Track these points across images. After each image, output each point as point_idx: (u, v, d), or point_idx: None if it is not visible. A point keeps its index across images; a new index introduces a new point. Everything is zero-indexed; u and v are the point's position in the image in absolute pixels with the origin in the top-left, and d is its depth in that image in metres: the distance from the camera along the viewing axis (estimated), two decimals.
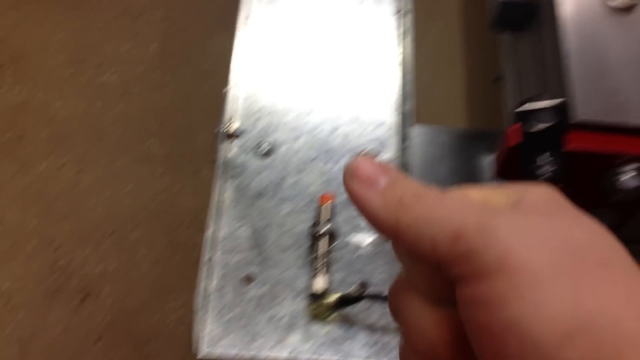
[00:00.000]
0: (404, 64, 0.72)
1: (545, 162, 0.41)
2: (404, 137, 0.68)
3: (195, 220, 1.60)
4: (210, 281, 0.60)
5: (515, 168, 0.43)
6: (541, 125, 0.39)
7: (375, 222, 0.34)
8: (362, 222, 0.64)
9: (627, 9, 0.47)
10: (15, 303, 1.49)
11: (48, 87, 1.73)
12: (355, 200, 0.34)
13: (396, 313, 0.36)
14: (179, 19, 1.85)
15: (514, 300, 0.28)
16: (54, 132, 1.68)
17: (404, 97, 0.70)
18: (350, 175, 0.35)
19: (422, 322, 0.33)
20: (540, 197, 0.32)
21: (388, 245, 0.63)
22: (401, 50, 0.73)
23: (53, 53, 1.78)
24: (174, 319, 1.52)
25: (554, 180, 0.42)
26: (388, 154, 0.68)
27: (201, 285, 0.57)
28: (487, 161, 0.67)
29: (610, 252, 0.29)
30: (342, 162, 0.67)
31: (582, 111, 0.43)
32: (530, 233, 0.29)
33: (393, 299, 0.36)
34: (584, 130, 0.43)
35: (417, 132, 0.69)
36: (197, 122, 1.72)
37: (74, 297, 1.52)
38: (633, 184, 0.42)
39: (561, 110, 0.43)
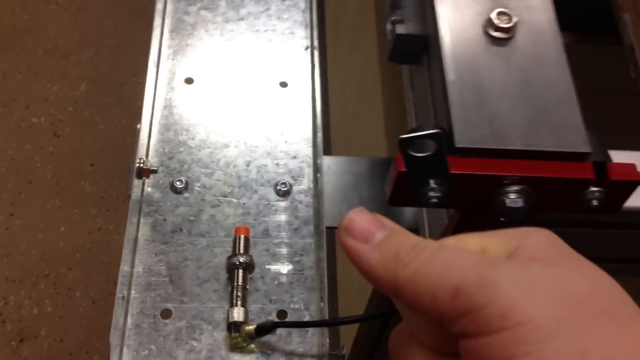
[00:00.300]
0: (313, 98, 0.75)
1: (434, 187, 0.44)
2: (315, 169, 0.70)
3: None
4: (127, 319, 0.61)
5: (405, 194, 0.46)
6: (422, 153, 0.42)
7: (372, 278, 0.33)
8: (280, 251, 0.66)
9: (506, 39, 0.51)
10: None
11: None
12: (350, 255, 0.34)
13: None
14: (109, 58, 1.85)
15: (520, 357, 0.27)
16: None
17: (315, 130, 0.73)
18: (344, 230, 0.34)
19: None
20: (539, 243, 0.32)
21: (305, 274, 0.66)
22: (311, 84, 0.77)
23: None
24: None
25: (444, 203, 0.46)
26: (302, 186, 0.70)
27: (114, 322, 0.58)
28: None
29: (613, 300, 0.29)
30: (257, 195, 0.69)
31: (462, 138, 0.46)
32: (532, 286, 0.29)
33: (395, 349, 0.36)
34: (466, 155, 0.46)
35: (330, 163, 0.72)
36: (129, 160, 1.72)
37: (10, 342, 1.50)
38: (516, 204, 0.45)
39: (445, 138, 0.46)
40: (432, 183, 0.44)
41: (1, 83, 1.80)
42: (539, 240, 0.32)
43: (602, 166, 0.45)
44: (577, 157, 0.45)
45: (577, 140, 0.46)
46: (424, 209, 0.63)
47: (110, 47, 1.87)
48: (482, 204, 0.46)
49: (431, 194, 0.44)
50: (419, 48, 0.60)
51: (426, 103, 0.56)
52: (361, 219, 0.34)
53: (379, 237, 0.33)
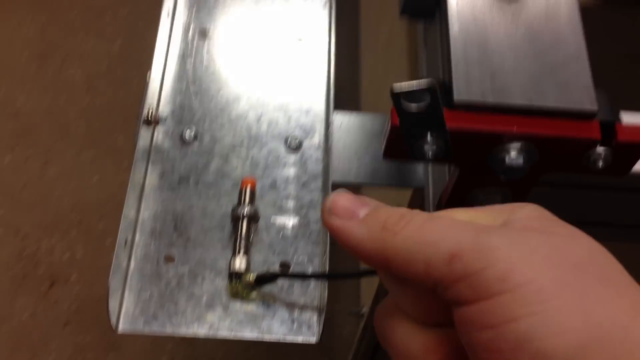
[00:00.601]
0: (329, 53, 0.74)
1: (430, 141, 0.43)
2: (327, 124, 0.70)
3: None
4: (130, 263, 0.62)
5: (401, 147, 0.45)
6: (416, 106, 0.41)
7: (361, 252, 0.32)
8: (287, 204, 0.67)
9: None
10: None
11: (12, 82, 1.75)
12: (336, 234, 0.33)
13: (384, 337, 0.35)
14: (144, 16, 1.86)
15: (522, 318, 0.27)
16: (19, 126, 1.70)
17: (328, 85, 0.72)
18: (328, 211, 0.34)
19: (412, 345, 0.33)
20: (531, 215, 0.32)
21: (311, 228, 0.66)
22: (327, 40, 0.76)
23: (18, 48, 1.80)
24: None
25: (441, 158, 0.45)
26: (313, 140, 0.70)
27: (115, 266, 0.59)
28: None
29: (609, 267, 0.30)
30: (267, 148, 0.69)
31: (461, 92, 0.45)
32: (530, 250, 0.29)
33: (380, 323, 0.35)
34: (465, 110, 0.45)
35: (343, 119, 0.71)
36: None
37: (42, 284, 1.54)
38: (516, 163, 0.44)
39: (443, 91, 0.45)
40: (428, 136, 0.43)
41: (39, 36, 1.83)
42: (530, 212, 0.32)
43: (610, 126, 0.44)
44: (583, 116, 0.44)
45: (583, 98, 0.44)
46: (429, 171, 0.62)
47: (145, 5, 1.87)
48: (480, 161, 0.45)
49: (427, 147, 0.43)
50: (432, 2, 0.58)
51: (437, 60, 0.55)
52: (344, 199, 0.34)
53: (364, 212, 0.33)
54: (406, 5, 0.59)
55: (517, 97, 0.44)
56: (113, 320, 0.59)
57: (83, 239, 1.60)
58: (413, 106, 0.41)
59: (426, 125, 0.42)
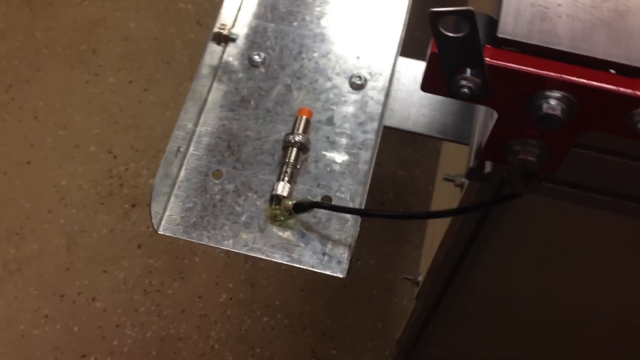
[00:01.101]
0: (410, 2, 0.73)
1: (467, 77, 0.42)
2: (393, 69, 0.69)
3: None
4: (180, 171, 0.64)
5: (439, 80, 0.44)
6: (454, 32, 0.40)
7: None
8: (340, 141, 0.67)
9: None
10: (70, 200, 1.60)
11: (127, 7, 1.82)
12: None
13: None
14: None
15: None
16: (127, 50, 1.77)
17: (403, 31, 0.71)
18: None
19: None
20: None
21: (359, 167, 0.66)
22: None
23: None
24: None
25: (480, 97, 0.44)
26: (377, 83, 0.69)
27: (165, 171, 0.61)
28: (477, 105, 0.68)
29: None
30: (330, 83, 0.69)
31: (505, 28, 0.43)
32: None
33: None
34: (509, 48, 0.43)
35: (411, 66, 0.70)
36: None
37: (124, 204, 1.62)
38: (554, 111, 0.43)
39: (490, 25, 0.44)
40: (467, 72, 0.42)
41: None
42: None
43: None
44: (631, 72, 0.42)
45: (635, 53, 0.42)
46: (478, 123, 0.60)
47: None
48: (519, 106, 0.44)
49: (463, 82, 0.42)
50: None
51: None
52: None
53: None
54: None
55: (565, 43, 0.42)
56: (155, 221, 0.62)
57: None
58: (450, 33, 0.40)
59: (465, 58, 0.41)
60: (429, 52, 0.44)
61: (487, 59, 0.42)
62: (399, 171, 1.68)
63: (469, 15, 0.38)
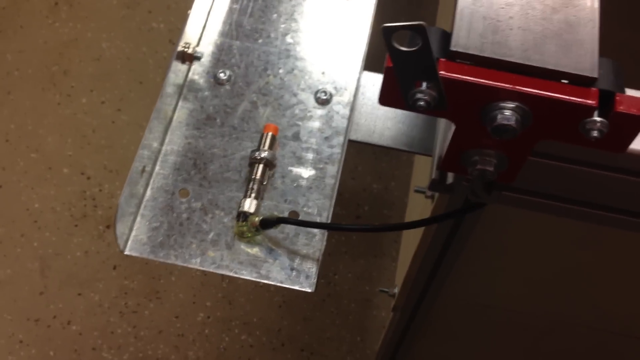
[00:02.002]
0: (373, 15, 0.74)
1: (423, 90, 0.43)
2: (358, 83, 0.70)
3: None
4: (146, 190, 0.64)
5: (396, 93, 0.44)
6: (406, 48, 0.41)
7: None
8: (306, 156, 0.67)
9: None
10: (43, 223, 1.58)
11: (99, 27, 1.82)
12: None
13: None
14: None
15: None
16: (99, 70, 1.76)
17: (367, 45, 0.72)
18: None
19: None
20: None
21: (325, 182, 0.66)
22: (374, 1, 0.75)
23: None
24: None
25: (437, 109, 0.44)
26: (343, 97, 0.70)
27: (130, 190, 0.61)
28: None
29: None
30: (296, 99, 0.69)
31: (458, 42, 0.43)
32: None
33: None
34: (462, 61, 0.44)
35: (376, 80, 0.71)
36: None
37: (98, 226, 1.61)
38: (508, 122, 0.43)
39: (446, 41, 0.45)
40: (423, 85, 0.43)
41: None
42: None
43: (610, 95, 0.42)
44: (582, 82, 0.42)
45: (585, 63, 0.42)
46: (439, 135, 0.61)
47: None
48: (474, 117, 0.44)
49: (419, 95, 0.43)
50: None
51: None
52: None
53: None
54: None
55: (516, 55, 0.42)
56: (121, 242, 0.61)
57: None
58: (404, 47, 0.40)
59: (420, 71, 0.42)
60: (384, 66, 0.44)
61: (442, 72, 0.42)
62: (374, 184, 1.68)
63: (420, 30, 0.39)
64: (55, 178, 1.64)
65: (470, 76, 0.42)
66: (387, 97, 0.46)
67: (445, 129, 0.57)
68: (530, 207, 0.54)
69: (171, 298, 1.56)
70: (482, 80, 0.42)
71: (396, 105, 0.46)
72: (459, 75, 0.42)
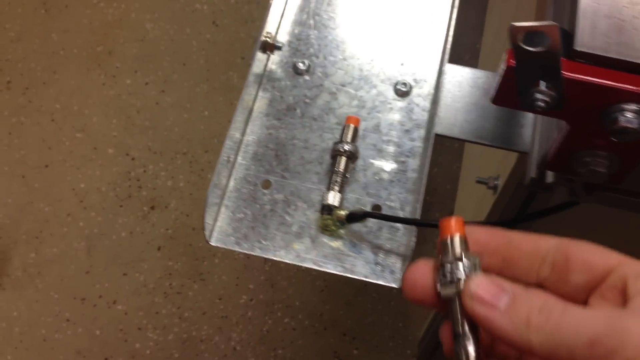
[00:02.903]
0: (452, 5, 0.73)
1: (543, 90, 0.42)
2: (439, 75, 0.69)
3: None
4: (229, 181, 0.63)
5: (512, 93, 0.44)
6: (534, 47, 0.40)
7: (505, 340, 0.37)
8: (387, 149, 0.66)
9: None
10: (89, 203, 1.60)
11: (143, 8, 1.81)
12: (480, 321, 0.37)
13: None
14: None
15: None
16: (143, 52, 1.76)
17: (447, 36, 0.71)
18: (470, 298, 0.38)
19: None
20: None
21: (407, 175, 0.65)
22: None
23: None
24: None
25: (552, 111, 0.43)
26: (423, 89, 0.69)
27: (215, 181, 0.61)
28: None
29: None
30: (375, 90, 0.69)
31: (583, 41, 0.43)
32: None
33: None
34: (585, 61, 0.43)
35: (455, 72, 0.69)
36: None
37: (143, 206, 1.62)
38: (631, 125, 0.42)
39: (565, 37, 0.44)
40: (541, 85, 0.42)
41: None
42: None
43: None
44: None
45: None
46: (537, 133, 0.60)
47: None
48: (593, 119, 0.43)
49: (539, 96, 0.42)
50: None
51: (563, 9, 0.52)
52: (484, 287, 0.37)
53: (504, 303, 0.37)
54: None
55: None
56: (207, 232, 0.61)
57: (187, 169, 1.66)
58: (531, 48, 0.39)
59: (541, 71, 0.41)
60: (502, 65, 0.43)
61: (565, 73, 0.41)
62: None
63: (554, 31, 0.38)
64: (101, 158, 1.65)
65: (595, 77, 0.41)
66: (502, 97, 0.45)
67: (546, 129, 0.56)
68: (630, 207, 0.53)
69: (214, 280, 1.57)
70: (607, 82, 0.41)
71: (510, 105, 0.45)
72: (584, 76, 0.41)
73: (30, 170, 1.63)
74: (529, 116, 0.64)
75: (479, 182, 0.97)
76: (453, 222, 0.40)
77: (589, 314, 0.35)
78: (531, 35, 0.39)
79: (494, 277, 0.38)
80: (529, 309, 0.36)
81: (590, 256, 0.38)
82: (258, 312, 1.56)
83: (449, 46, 0.69)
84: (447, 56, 0.68)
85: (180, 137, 1.69)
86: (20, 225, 1.58)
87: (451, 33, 0.70)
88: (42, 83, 1.71)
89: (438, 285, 0.39)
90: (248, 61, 1.78)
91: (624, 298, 0.36)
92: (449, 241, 0.40)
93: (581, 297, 0.38)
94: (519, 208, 0.94)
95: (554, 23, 0.38)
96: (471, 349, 0.38)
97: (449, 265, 0.39)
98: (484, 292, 0.37)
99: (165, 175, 1.65)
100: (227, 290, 1.57)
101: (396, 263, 0.61)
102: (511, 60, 0.42)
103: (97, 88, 1.72)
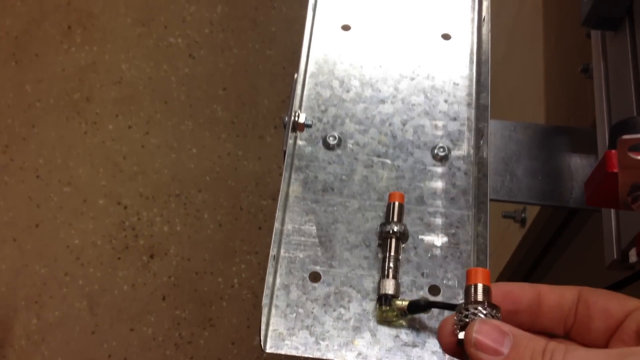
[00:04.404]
0: (479, 53, 0.69)
1: None
2: (477, 133, 0.65)
3: (259, 184, 1.61)
4: (276, 278, 0.59)
5: (608, 195, 0.40)
6: None
7: None
8: (434, 221, 0.63)
9: None
10: (85, 259, 1.54)
11: (116, 48, 1.75)
12: None
13: None
14: None
15: None
16: (122, 94, 1.70)
17: (479, 89, 0.67)
18: (473, 346, 0.38)
19: None
20: None
21: (460, 248, 0.62)
22: (476, 38, 0.70)
23: (120, 14, 1.79)
24: (237, 282, 1.54)
25: None
26: (461, 151, 0.65)
27: (268, 280, 0.57)
28: (570, 161, 0.64)
29: None
30: (413, 158, 0.65)
31: None
32: None
33: None
34: None
35: (492, 128, 0.66)
36: (261, 87, 1.71)
37: (141, 256, 1.56)
38: None
39: None
40: None
41: (142, 1, 1.82)
42: None
43: None
44: None
45: None
46: (613, 212, 0.57)
47: None
48: None
49: None
50: (621, 11, 0.52)
51: (625, 78, 0.49)
52: (486, 333, 0.37)
53: (507, 347, 0.37)
54: (591, 16, 0.53)
55: None
56: (262, 339, 0.57)
57: (182, 212, 1.61)
58: (637, 154, 0.36)
59: None
60: (599, 169, 0.40)
61: None
62: None
63: None
64: (92, 211, 1.59)
65: None
66: (597, 199, 0.41)
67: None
68: None
69: (225, 324, 1.52)
70: None
71: (606, 206, 0.42)
72: None
73: (20, 231, 1.56)
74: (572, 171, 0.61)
75: (505, 216, 0.95)
76: (480, 272, 0.41)
77: (591, 355, 0.34)
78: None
79: (493, 321, 0.38)
80: (532, 354, 0.36)
81: (608, 302, 0.39)
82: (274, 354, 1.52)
83: (488, 101, 0.65)
84: (489, 113, 0.64)
85: (170, 178, 1.64)
86: (18, 291, 1.51)
87: (488, 85, 0.67)
88: (21, 139, 1.65)
89: (456, 331, 0.40)
90: (229, 92, 1.73)
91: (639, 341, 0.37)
92: (472, 289, 0.41)
93: (602, 344, 0.39)
94: (548, 240, 0.91)
95: None
96: None
97: (466, 313, 0.40)
98: (485, 337, 0.37)
99: (161, 221, 1.60)
100: (239, 333, 1.53)
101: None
102: (613, 166, 0.38)
103: (79, 137, 1.66)
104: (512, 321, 0.39)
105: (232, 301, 1.55)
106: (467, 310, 0.40)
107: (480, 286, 0.41)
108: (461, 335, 0.40)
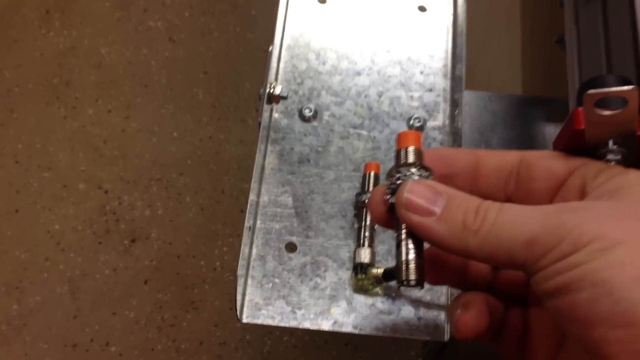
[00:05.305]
0: (454, 25, 0.69)
1: (612, 149, 0.39)
2: (453, 104, 0.65)
3: (241, 168, 1.61)
4: (252, 249, 0.59)
5: (577, 153, 0.41)
6: (610, 112, 0.37)
7: (444, 247, 0.35)
8: None
9: None
10: (66, 244, 1.53)
11: (95, 33, 1.73)
12: (417, 230, 0.35)
13: None
14: None
15: (589, 261, 0.30)
16: (101, 78, 1.69)
17: (454, 61, 0.67)
18: (404, 207, 0.36)
19: None
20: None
21: None
22: (452, 10, 0.70)
23: None
24: (219, 264, 1.54)
25: (624, 164, 0.40)
26: (437, 122, 0.65)
27: (244, 251, 0.57)
28: (544, 130, 0.65)
29: None
30: (389, 129, 0.65)
31: None
32: (605, 215, 0.31)
33: None
34: None
35: (468, 99, 0.66)
36: (242, 70, 1.70)
37: (123, 240, 1.56)
38: None
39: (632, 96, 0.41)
40: (610, 144, 0.39)
41: None
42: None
43: None
44: None
45: None
46: None
47: None
48: None
49: (610, 157, 0.39)
50: None
51: (596, 45, 0.50)
52: (418, 193, 0.35)
53: (439, 208, 0.35)
54: None
55: None
56: (238, 309, 0.57)
57: (163, 195, 1.60)
58: (606, 112, 0.36)
59: (613, 130, 0.38)
60: (567, 126, 0.40)
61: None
62: None
63: (634, 95, 0.35)
64: (72, 195, 1.58)
65: None
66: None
67: None
68: None
69: (208, 307, 1.52)
70: None
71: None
72: None
73: (0, 217, 1.55)
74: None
75: None
76: (410, 135, 0.39)
77: (526, 212, 0.33)
78: (607, 99, 0.36)
79: (427, 181, 0.36)
80: (465, 212, 0.34)
81: (551, 161, 0.38)
82: (256, 334, 1.52)
83: (463, 72, 0.66)
84: (463, 84, 0.64)
85: (151, 162, 1.63)
86: None
87: (464, 56, 0.67)
88: (0, 125, 1.63)
89: (386, 196, 0.38)
90: (210, 75, 1.72)
91: (582, 198, 0.35)
92: (402, 152, 0.39)
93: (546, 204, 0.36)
94: None
95: (634, 87, 0.35)
96: (411, 255, 0.36)
97: (397, 175, 0.38)
98: (418, 196, 0.35)
99: (142, 205, 1.59)
100: (222, 315, 1.53)
101: (439, 315, 0.58)
102: (580, 123, 0.39)
103: (59, 122, 1.65)
104: (448, 185, 0.37)
105: (215, 284, 1.54)
106: (399, 172, 0.38)
107: (411, 148, 0.39)
108: (393, 199, 0.37)
